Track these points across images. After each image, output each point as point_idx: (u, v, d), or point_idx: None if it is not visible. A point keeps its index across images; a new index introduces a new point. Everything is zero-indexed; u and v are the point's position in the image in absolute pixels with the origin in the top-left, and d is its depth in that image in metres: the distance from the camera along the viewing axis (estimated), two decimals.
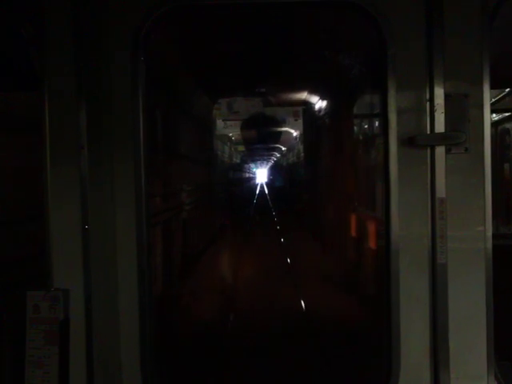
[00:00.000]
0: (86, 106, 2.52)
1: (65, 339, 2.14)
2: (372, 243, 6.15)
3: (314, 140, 11.96)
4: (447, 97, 2.61)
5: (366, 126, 7.32)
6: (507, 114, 7.79)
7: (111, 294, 2.68)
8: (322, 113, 10.51)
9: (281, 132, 17.42)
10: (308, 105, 11.56)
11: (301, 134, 15.84)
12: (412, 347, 2.67)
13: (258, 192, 27.66)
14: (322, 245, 10.36)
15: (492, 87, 2.64)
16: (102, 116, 2.67)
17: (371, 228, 6.21)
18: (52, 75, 2.52)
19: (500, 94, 7.04)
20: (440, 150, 2.63)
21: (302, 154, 15.47)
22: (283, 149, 22.42)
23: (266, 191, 27.32)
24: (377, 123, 5.89)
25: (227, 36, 6.75)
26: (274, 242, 12.36)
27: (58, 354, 2.12)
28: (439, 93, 2.61)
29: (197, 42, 6.99)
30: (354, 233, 7.53)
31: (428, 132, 2.64)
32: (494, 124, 7.97)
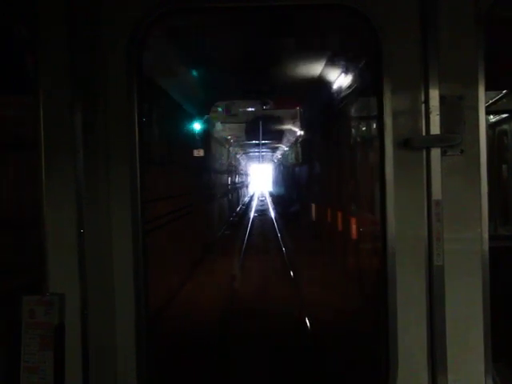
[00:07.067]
0: (81, 109, 2.52)
1: (60, 344, 2.13)
2: None
3: None
4: (442, 99, 2.61)
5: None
6: (505, 116, 7.79)
7: (107, 299, 2.67)
8: None
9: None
10: None
11: None
12: (409, 349, 2.66)
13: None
14: None
15: (487, 89, 2.64)
16: (98, 119, 2.66)
17: None
18: (47, 78, 2.52)
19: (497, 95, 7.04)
20: (436, 152, 2.63)
21: None
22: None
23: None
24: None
25: (218, 39, 6.78)
26: None
27: (53, 359, 2.11)
28: (434, 95, 2.61)
29: (191, 42, 7.04)
30: None
31: (423, 134, 2.64)
32: (492, 125, 7.97)
